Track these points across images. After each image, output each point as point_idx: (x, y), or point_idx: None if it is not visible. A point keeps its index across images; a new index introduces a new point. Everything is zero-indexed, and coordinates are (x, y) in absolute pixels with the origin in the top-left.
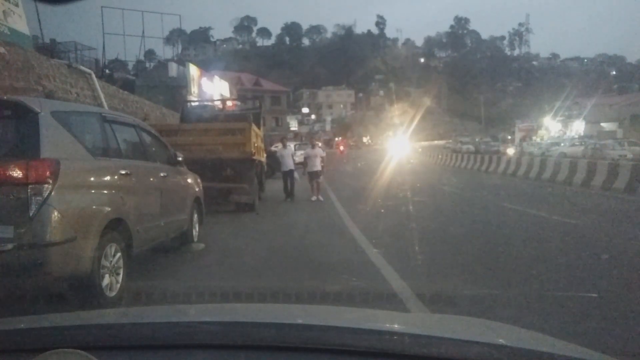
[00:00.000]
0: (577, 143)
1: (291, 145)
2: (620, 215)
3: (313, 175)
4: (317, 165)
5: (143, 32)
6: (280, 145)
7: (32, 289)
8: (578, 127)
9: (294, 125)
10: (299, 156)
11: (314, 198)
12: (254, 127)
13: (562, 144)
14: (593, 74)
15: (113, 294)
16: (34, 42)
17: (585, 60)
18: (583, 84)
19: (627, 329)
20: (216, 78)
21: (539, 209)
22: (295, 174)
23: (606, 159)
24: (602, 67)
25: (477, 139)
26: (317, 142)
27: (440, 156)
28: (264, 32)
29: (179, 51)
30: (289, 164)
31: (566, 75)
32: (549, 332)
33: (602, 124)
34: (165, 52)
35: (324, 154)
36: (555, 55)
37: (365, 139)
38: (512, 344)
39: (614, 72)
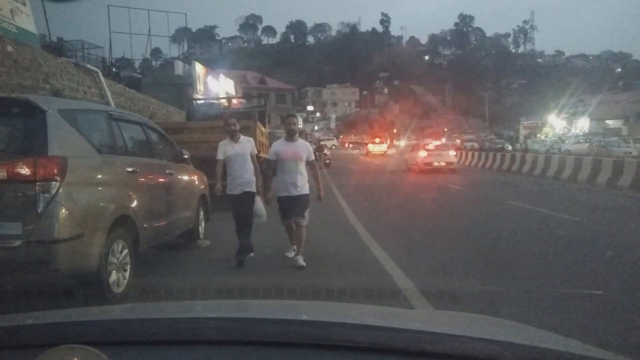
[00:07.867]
0: (582, 140)
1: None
2: (625, 212)
3: (285, 208)
4: (297, 184)
5: (149, 30)
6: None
7: (39, 285)
8: (583, 124)
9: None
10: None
11: (290, 254)
12: (259, 124)
13: (566, 142)
14: (598, 71)
15: (120, 290)
16: (41, 40)
17: (591, 58)
18: (588, 81)
19: (632, 326)
20: (222, 76)
21: (543, 206)
22: (259, 204)
23: (611, 156)
24: (608, 64)
25: (484, 136)
26: (295, 127)
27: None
28: (269, 31)
29: (185, 49)
30: (244, 179)
31: (571, 73)
32: (553, 329)
33: (607, 122)
34: (171, 50)
35: (313, 157)
36: (560, 53)
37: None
38: (517, 340)
39: (620, 69)
